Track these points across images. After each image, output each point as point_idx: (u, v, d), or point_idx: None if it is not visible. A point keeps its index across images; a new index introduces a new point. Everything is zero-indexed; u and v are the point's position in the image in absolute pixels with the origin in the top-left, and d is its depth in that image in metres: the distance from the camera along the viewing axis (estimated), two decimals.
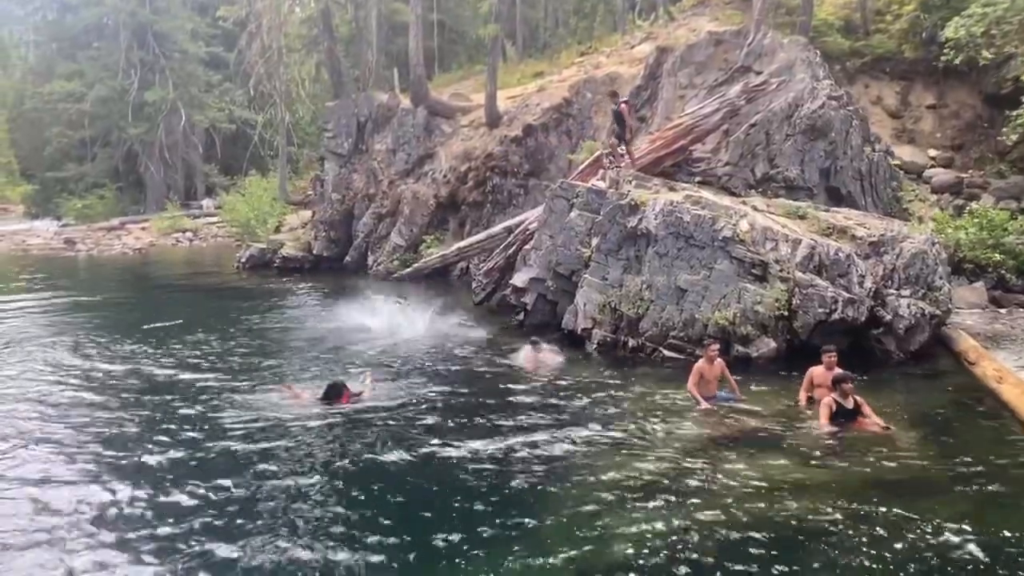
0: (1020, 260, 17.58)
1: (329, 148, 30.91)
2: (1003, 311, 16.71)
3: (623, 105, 17.45)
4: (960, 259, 17.37)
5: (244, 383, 12.41)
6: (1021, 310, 16.71)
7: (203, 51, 52.71)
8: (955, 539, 6.71)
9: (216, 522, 7.25)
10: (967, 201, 20.02)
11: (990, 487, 7.86)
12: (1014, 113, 18.63)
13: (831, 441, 9.27)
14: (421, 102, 28.95)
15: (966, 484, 7.98)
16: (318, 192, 31.95)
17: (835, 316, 12.65)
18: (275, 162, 44.86)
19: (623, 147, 17.01)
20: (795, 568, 6.28)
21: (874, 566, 6.30)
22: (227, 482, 8.16)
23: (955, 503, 7.49)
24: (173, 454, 9.11)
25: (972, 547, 6.57)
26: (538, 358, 13.36)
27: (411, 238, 26.72)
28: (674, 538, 6.79)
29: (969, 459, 8.67)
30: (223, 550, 6.71)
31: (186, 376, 12.99)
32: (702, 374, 10.92)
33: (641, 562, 6.39)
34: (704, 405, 10.60)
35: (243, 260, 30.31)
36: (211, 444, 9.43)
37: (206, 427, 10.12)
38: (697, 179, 17.34)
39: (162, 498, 7.86)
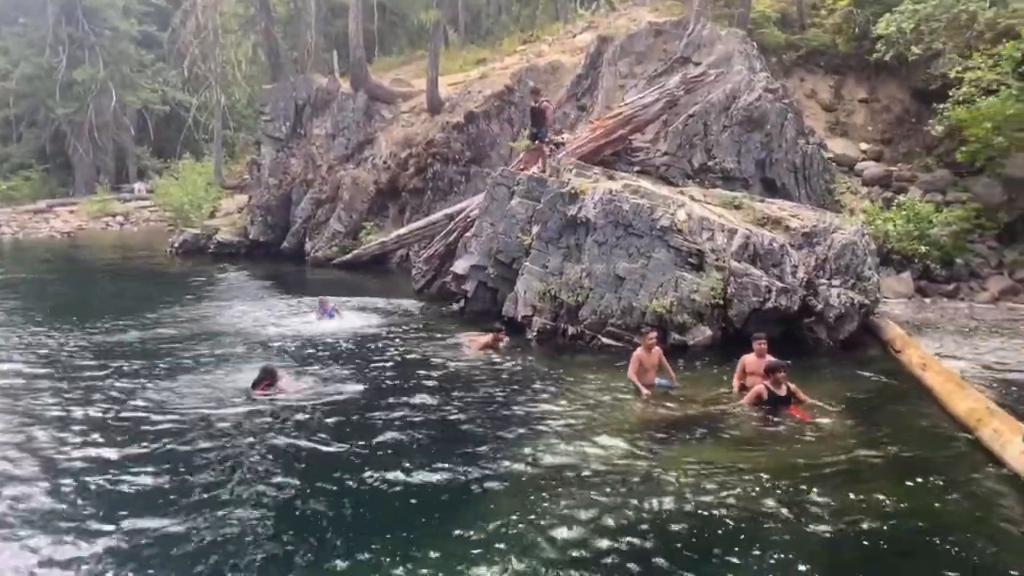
0: (944, 251, 18.21)
1: (266, 132, 30.35)
2: (928, 300, 17.31)
3: (545, 103, 17.33)
4: (888, 250, 17.91)
5: (166, 370, 12.15)
6: (944, 299, 17.35)
7: (135, 29, 51.18)
8: (880, 521, 6.92)
9: (132, 517, 7.03)
10: (896, 194, 20.62)
11: (914, 471, 8.12)
12: (941, 106, 19.22)
13: (763, 427, 9.48)
14: (361, 86, 28.62)
15: (891, 468, 8.23)
16: (254, 176, 31.38)
17: (769, 305, 12.92)
18: (210, 145, 43.89)
19: (548, 147, 16.95)
20: (727, 551, 6.41)
21: (803, 548, 6.46)
22: (142, 476, 7.95)
23: (881, 486, 7.70)
24: (83, 446, 8.79)
25: (896, 528, 6.80)
26: (487, 345, 13.43)
27: (350, 224, 26.45)
28: (610, 525, 6.86)
29: (894, 444, 8.95)
30: (141, 546, 6.56)
31: (106, 363, 12.62)
32: (641, 362, 11.03)
33: (577, 551, 6.43)
34: (645, 392, 10.72)
35: (176, 245, 29.74)
36: (126, 435, 9.15)
37: (122, 417, 9.84)
38: (636, 168, 17.51)
39: (69, 494, 7.58)
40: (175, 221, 34.96)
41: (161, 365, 12.49)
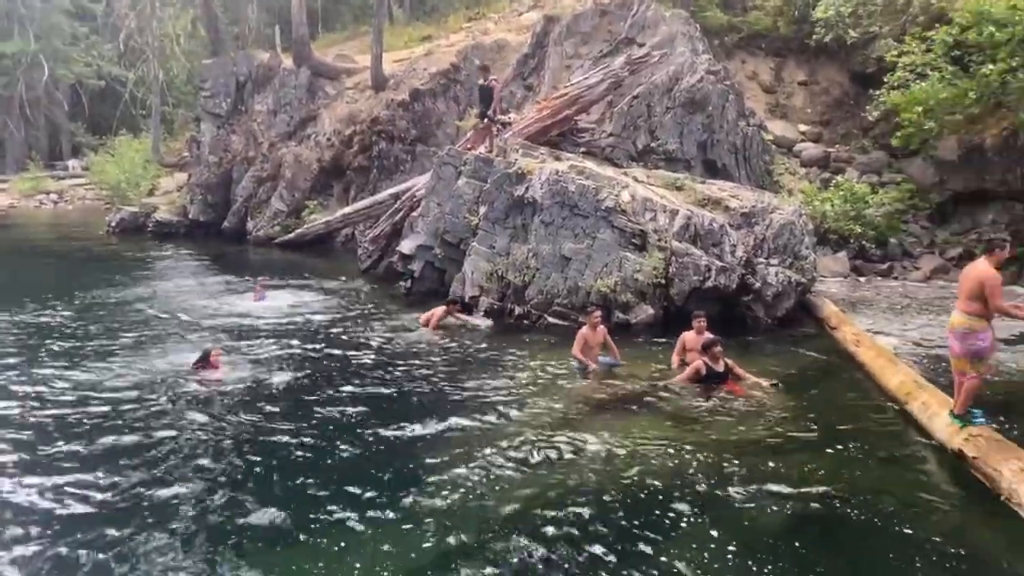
0: (879, 231, 18.78)
1: (206, 108, 29.75)
2: (862, 279, 17.86)
3: (493, 82, 17.36)
4: (825, 230, 18.42)
5: (99, 352, 11.88)
6: (878, 278, 17.92)
7: (68, 0, 49.45)
8: (814, 490, 7.18)
9: (57, 514, 6.79)
10: (833, 175, 21.15)
11: (847, 442, 8.41)
12: (877, 92, 19.71)
13: (702, 402, 9.72)
14: (304, 62, 28.20)
15: (826, 440, 8.50)
16: (194, 154, 30.79)
17: (709, 284, 13.19)
18: (147, 122, 42.83)
19: (495, 126, 17.02)
20: (665, 522, 6.60)
21: (739, 518, 6.68)
22: (68, 466, 7.72)
23: (815, 458, 7.98)
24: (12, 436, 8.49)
25: (830, 497, 7.05)
26: (440, 319, 13.57)
27: (293, 203, 26.12)
28: (551, 498, 6.99)
29: (829, 417, 9.26)
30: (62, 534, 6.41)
31: (36, 344, 12.34)
32: (586, 340, 11.21)
33: (518, 525, 6.52)
34: (593, 366, 10.96)
35: (113, 224, 29.09)
36: (53, 422, 8.92)
37: (49, 401, 9.61)
38: (582, 149, 17.64)
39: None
40: (111, 199, 34.15)
41: (93, 347, 12.23)
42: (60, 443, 8.27)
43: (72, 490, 7.13)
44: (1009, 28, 16.21)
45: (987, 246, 7.94)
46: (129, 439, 8.37)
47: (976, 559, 6.12)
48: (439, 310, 13.69)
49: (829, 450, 8.24)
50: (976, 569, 5.99)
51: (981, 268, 7.63)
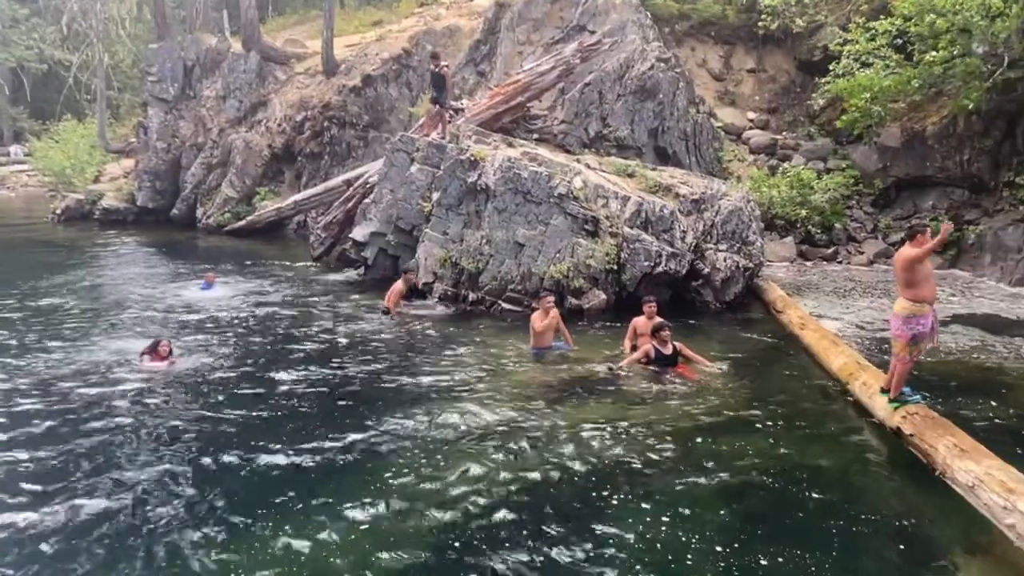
0: (824, 216, 19.19)
1: (153, 93, 29.18)
2: (809, 264, 18.27)
3: (445, 68, 17.37)
4: (773, 216, 18.76)
5: (42, 343, 11.69)
6: (824, 262, 18.34)
7: None
8: (760, 469, 7.39)
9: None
10: (780, 161, 21.53)
11: (793, 422, 8.67)
12: (822, 80, 20.08)
13: (652, 386, 9.92)
14: (253, 47, 27.82)
15: (772, 420, 8.74)
16: (141, 140, 30.21)
17: (659, 269, 13.41)
18: (93, 107, 41.82)
19: (448, 112, 17.08)
20: (616, 504, 6.76)
21: (687, 497, 6.85)
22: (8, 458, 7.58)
23: (761, 437, 8.21)
24: None
25: (775, 475, 7.28)
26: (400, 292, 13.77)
27: (244, 190, 25.82)
28: (505, 483, 7.10)
29: (775, 398, 9.51)
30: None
31: None
32: (539, 324, 11.33)
33: (472, 509, 6.62)
34: (569, 342, 11.40)
35: (59, 212, 28.49)
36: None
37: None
38: (534, 136, 17.73)
39: None
40: (56, 186, 33.34)
41: (34, 337, 12.01)
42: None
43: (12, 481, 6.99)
44: (949, 16, 16.61)
45: (909, 232, 8.15)
46: (66, 434, 8.14)
47: (911, 531, 6.38)
48: (398, 285, 13.81)
49: (773, 429, 8.47)
50: (911, 540, 6.24)
51: (907, 253, 7.90)
